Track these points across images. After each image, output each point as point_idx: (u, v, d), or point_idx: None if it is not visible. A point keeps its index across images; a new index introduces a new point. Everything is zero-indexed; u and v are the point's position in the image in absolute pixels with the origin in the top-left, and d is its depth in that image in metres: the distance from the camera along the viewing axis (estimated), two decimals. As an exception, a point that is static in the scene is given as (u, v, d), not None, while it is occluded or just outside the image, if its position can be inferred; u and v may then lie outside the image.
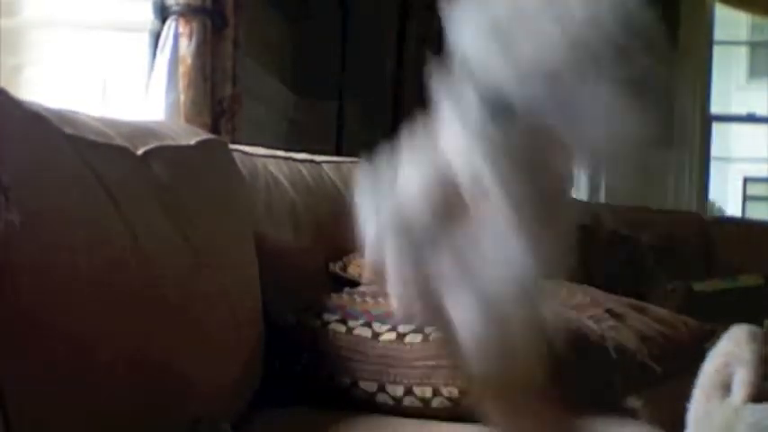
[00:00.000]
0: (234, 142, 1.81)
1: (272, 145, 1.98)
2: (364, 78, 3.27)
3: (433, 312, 0.83)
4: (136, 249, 1.03)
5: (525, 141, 0.76)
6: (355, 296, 1.61)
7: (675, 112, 4.39)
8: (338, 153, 2.93)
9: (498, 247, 0.75)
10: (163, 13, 1.94)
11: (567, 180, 0.76)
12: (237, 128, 2.07)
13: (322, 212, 1.89)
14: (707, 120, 4.46)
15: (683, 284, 2.77)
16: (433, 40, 3.24)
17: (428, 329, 1.44)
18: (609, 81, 0.70)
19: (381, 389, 1.44)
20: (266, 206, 1.74)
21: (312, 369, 1.48)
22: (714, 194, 5.68)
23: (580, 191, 4.14)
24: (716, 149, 4.67)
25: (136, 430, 0.96)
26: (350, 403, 1.43)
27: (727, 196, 8.48)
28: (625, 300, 2.07)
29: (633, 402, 1.52)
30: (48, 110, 1.00)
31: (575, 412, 1.18)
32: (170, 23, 1.92)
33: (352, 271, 1.84)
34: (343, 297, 1.62)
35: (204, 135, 1.46)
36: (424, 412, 1.42)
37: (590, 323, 1.71)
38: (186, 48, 1.90)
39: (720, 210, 7.11)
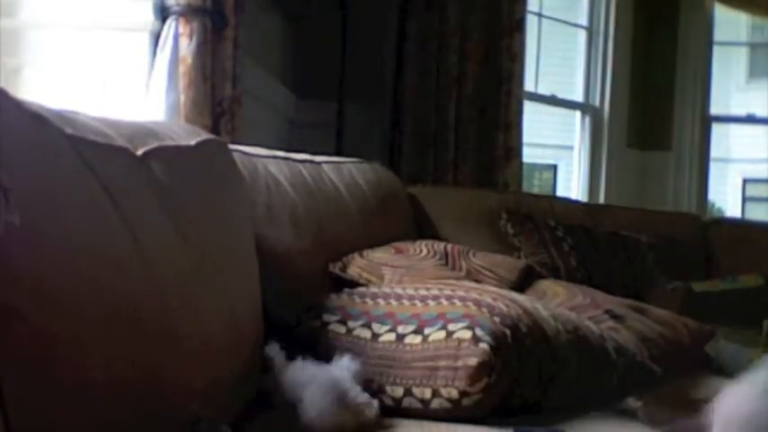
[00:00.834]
0: (234, 143, 1.81)
1: (272, 145, 1.98)
2: (364, 78, 3.27)
3: None
4: (136, 249, 1.03)
5: None
6: (355, 297, 1.61)
7: (675, 113, 4.39)
8: (338, 153, 2.94)
9: None
10: (163, 13, 1.94)
11: None
12: (237, 128, 2.07)
13: (322, 213, 1.89)
14: (706, 120, 4.46)
15: (683, 284, 2.77)
16: (433, 40, 3.25)
17: (427, 330, 1.45)
18: None
19: (381, 390, 1.44)
20: (266, 206, 1.74)
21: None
22: (713, 195, 5.68)
23: (580, 190, 4.15)
24: (715, 150, 4.67)
25: (136, 429, 0.95)
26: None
27: (726, 197, 8.48)
28: (625, 300, 2.07)
29: (633, 402, 1.52)
30: (48, 110, 1.00)
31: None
32: (170, 23, 1.91)
33: (352, 271, 1.84)
34: (343, 298, 1.62)
35: (204, 135, 1.45)
36: (424, 413, 1.42)
37: (590, 324, 1.71)
38: (186, 48, 1.90)
39: (720, 210, 7.11)
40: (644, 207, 3.48)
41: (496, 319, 1.44)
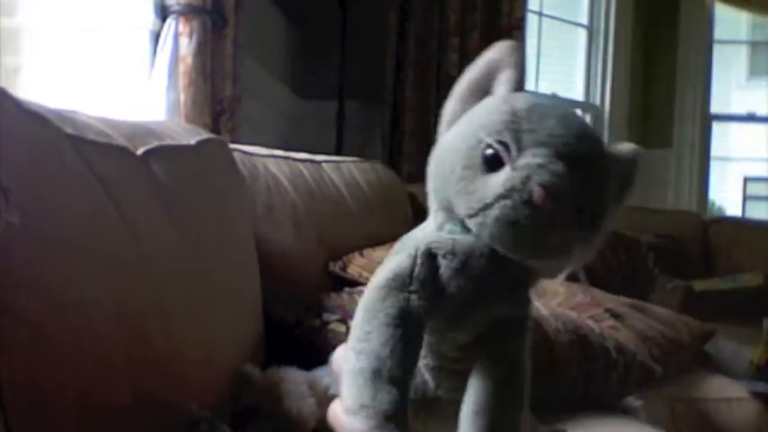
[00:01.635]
0: (234, 142, 1.81)
1: (272, 145, 1.98)
2: (364, 78, 3.27)
3: None
4: (136, 249, 1.03)
5: None
6: (355, 296, 1.61)
7: (675, 111, 4.40)
8: (338, 153, 2.94)
9: None
10: (163, 13, 1.94)
11: None
12: (238, 127, 2.07)
13: (322, 212, 1.89)
14: (707, 119, 4.46)
15: (683, 284, 2.77)
16: (432, 39, 3.25)
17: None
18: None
19: (381, 389, 1.43)
20: (266, 206, 1.74)
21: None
22: (714, 194, 5.67)
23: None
24: (716, 149, 4.67)
25: (135, 430, 0.96)
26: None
27: (727, 195, 8.47)
28: (625, 300, 2.07)
29: (633, 402, 1.52)
30: (48, 110, 1.00)
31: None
32: (170, 23, 1.92)
33: (352, 271, 1.84)
34: (343, 297, 1.62)
35: (204, 135, 1.45)
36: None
37: (590, 323, 1.71)
38: (186, 47, 1.90)
39: (720, 209, 7.11)
40: (644, 206, 3.48)
41: (496, 318, 1.44)
